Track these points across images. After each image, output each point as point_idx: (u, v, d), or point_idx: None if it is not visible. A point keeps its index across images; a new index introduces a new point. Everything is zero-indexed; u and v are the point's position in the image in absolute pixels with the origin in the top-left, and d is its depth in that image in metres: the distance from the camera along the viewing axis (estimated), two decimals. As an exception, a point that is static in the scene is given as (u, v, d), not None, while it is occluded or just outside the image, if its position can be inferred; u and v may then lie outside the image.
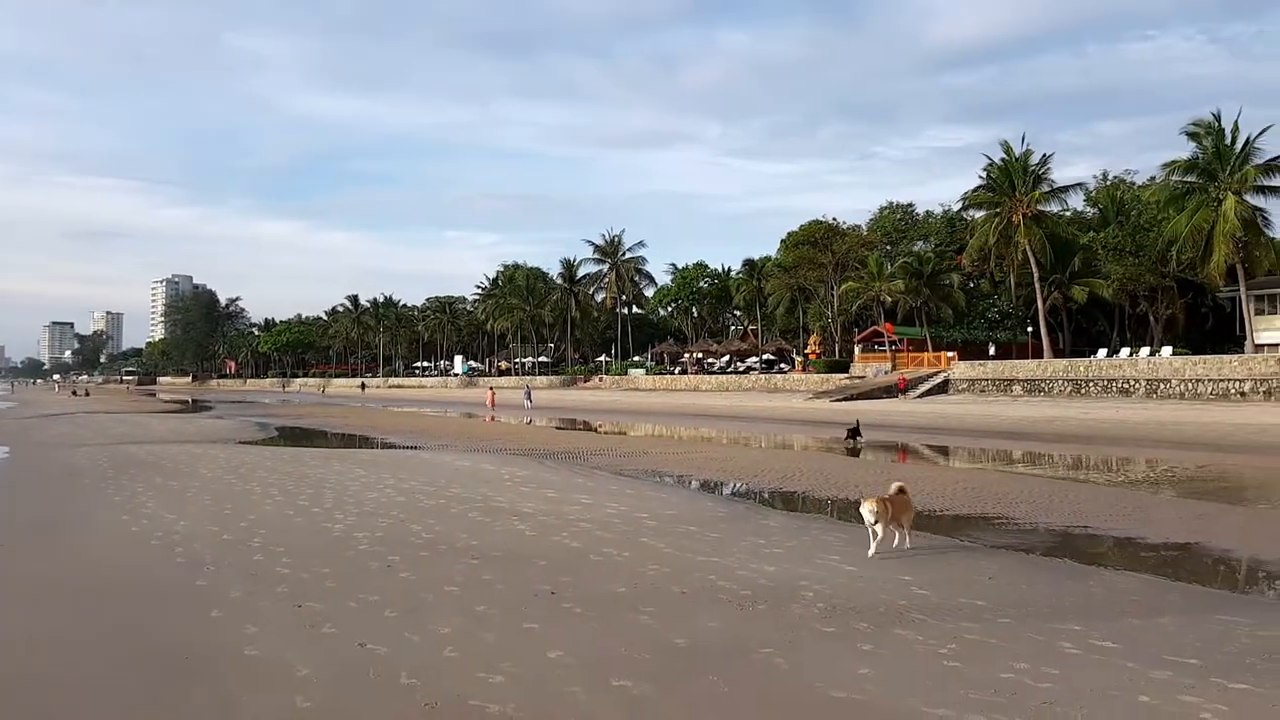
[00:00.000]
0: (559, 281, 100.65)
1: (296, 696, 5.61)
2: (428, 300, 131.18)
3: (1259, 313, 54.53)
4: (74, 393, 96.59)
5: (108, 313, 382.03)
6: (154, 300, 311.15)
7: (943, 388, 53.22)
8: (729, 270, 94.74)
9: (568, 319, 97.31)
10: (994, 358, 57.32)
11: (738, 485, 17.98)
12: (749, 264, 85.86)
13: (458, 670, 6.08)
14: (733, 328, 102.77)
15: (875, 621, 7.30)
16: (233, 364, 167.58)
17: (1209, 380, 42.26)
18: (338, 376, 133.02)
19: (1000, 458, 26.19)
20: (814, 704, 5.53)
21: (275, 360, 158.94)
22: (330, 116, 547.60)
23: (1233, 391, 41.07)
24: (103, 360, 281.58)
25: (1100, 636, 6.93)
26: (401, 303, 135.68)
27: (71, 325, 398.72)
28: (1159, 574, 9.97)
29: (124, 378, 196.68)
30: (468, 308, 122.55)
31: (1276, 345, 49.77)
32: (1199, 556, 11.20)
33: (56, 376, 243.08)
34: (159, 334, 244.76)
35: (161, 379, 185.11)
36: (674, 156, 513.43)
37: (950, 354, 57.94)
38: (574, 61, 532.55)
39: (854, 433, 28.99)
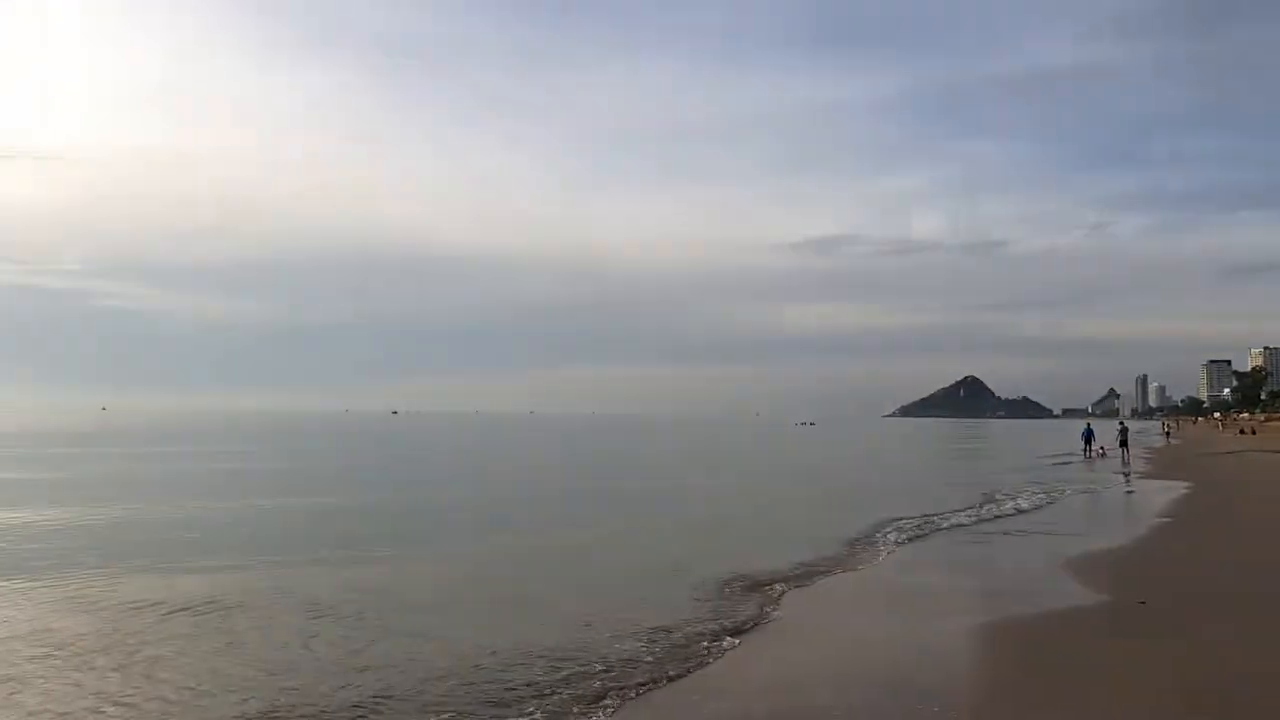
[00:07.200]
0: None
1: None
2: None
3: None
4: (1240, 431, 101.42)
5: (1265, 348, 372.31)
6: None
7: None
8: None
9: None
10: None
11: None
12: None
13: None
14: None
15: None
16: None
17: None
18: None
19: None
20: None
21: None
22: None
23: None
24: (1262, 397, 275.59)
25: None
26: None
27: (1228, 363, 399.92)
28: None
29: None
30: None
31: None
32: None
33: (1216, 414, 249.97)
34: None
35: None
36: None
37: None
38: None
39: None
